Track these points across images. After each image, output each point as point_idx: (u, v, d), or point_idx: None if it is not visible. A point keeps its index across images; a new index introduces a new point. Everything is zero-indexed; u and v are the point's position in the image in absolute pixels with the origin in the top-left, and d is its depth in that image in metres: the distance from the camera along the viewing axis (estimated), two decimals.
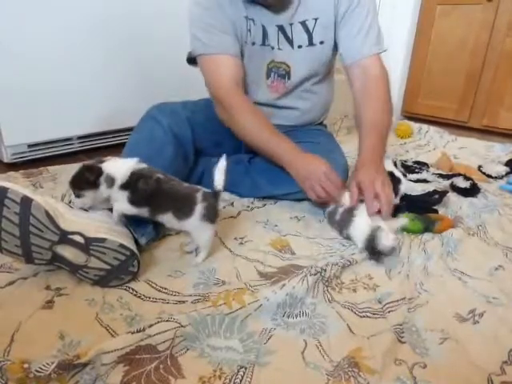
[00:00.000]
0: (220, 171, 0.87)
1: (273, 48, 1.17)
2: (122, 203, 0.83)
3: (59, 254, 0.77)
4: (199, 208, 0.84)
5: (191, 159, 1.18)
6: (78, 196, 0.83)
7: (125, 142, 1.09)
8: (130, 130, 1.73)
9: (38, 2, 1.41)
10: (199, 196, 0.85)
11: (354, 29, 1.14)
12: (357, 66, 1.16)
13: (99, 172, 0.81)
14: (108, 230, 0.81)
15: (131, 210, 0.84)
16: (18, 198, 0.72)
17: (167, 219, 0.86)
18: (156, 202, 0.84)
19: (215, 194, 0.87)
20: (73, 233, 0.77)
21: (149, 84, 1.77)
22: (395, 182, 1.09)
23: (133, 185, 0.82)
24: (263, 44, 1.17)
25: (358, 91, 1.17)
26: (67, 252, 0.77)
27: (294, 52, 1.17)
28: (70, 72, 1.54)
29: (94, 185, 0.81)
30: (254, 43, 1.17)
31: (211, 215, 0.86)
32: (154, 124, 1.09)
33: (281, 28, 1.15)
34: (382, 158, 1.08)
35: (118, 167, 0.83)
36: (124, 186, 0.82)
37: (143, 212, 0.84)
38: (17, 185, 0.74)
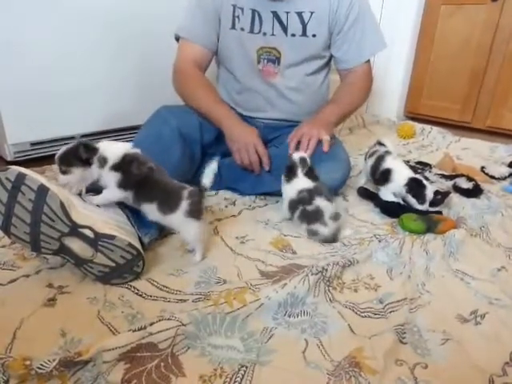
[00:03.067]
0: (210, 171, 0.87)
1: (265, 34, 1.21)
2: (111, 188, 0.82)
3: (67, 245, 0.77)
4: (184, 204, 0.84)
5: (198, 160, 1.19)
6: (64, 172, 0.81)
7: (128, 141, 1.09)
8: (133, 128, 1.74)
9: (43, 4, 1.41)
10: (185, 193, 0.85)
11: (346, 44, 1.25)
12: (348, 72, 1.31)
13: (95, 151, 0.80)
14: (117, 228, 0.81)
15: (119, 194, 0.83)
16: (35, 185, 0.72)
17: (151, 210, 0.84)
18: (144, 189, 0.83)
19: (201, 192, 0.87)
20: (83, 226, 0.77)
21: (152, 83, 1.77)
22: (421, 188, 1.11)
23: (124, 167, 0.81)
24: (251, 31, 1.21)
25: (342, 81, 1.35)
26: (75, 245, 0.77)
27: (286, 39, 1.21)
28: (73, 71, 1.54)
29: (87, 163, 0.80)
30: (242, 29, 1.22)
31: (196, 212, 0.86)
32: (162, 123, 1.09)
33: (275, 14, 1.19)
34: (331, 120, 1.23)
35: (112, 148, 0.82)
36: (115, 167, 0.81)
37: (128, 196, 0.83)
38: (35, 172, 0.74)
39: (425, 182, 1.14)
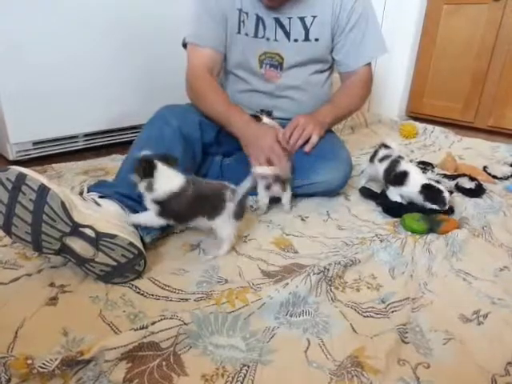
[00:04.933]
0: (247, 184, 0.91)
1: (268, 39, 1.21)
2: (152, 214, 0.86)
3: (68, 245, 0.77)
4: (229, 206, 0.87)
5: (199, 160, 1.18)
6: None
7: (130, 141, 1.10)
8: (135, 128, 1.75)
9: (45, 5, 1.42)
10: (228, 194, 0.87)
11: (346, 47, 1.25)
12: (348, 75, 1.31)
13: (149, 174, 0.82)
14: (118, 227, 0.81)
15: (158, 221, 0.87)
16: (36, 185, 0.72)
17: (197, 223, 0.89)
18: (185, 214, 0.87)
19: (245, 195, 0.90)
20: (84, 226, 0.77)
21: (154, 83, 1.78)
22: (437, 193, 1.12)
23: (165, 203, 0.84)
24: (255, 36, 1.22)
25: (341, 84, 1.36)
26: (76, 244, 0.77)
27: (289, 44, 1.22)
28: (75, 71, 1.55)
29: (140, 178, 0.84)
30: (247, 34, 1.22)
31: (240, 213, 0.90)
32: (163, 124, 1.09)
33: (277, 20, 1.19)
34: (326, 121, 1.23)
35: (164, 181, 0.83)
36: (157, 201, 0.84)
37: (168, 221, 0.88)
38: (35, 172, 0.74)
39: (437, 185, 1.13)
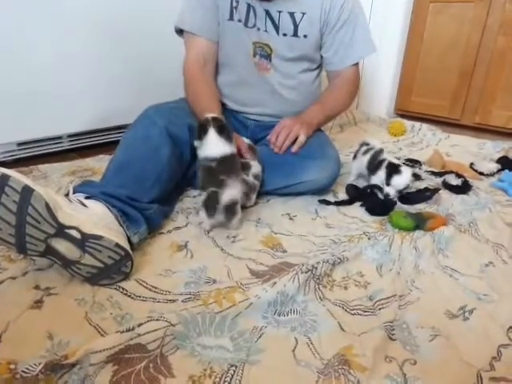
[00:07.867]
0: None
1: (259, 29, 1.21)
2: None
3: (53, 247, 0.75)
4: None
5: (187, 160, 1.17)
6: None
7: (116, 141, 1.08)
8: (120, 128, 1.73)
9: (28, 5, 1.39)
10: None
11: (334, 46, 1.26)
12: (336, 74, 1.32)
13: None
14: (105, 228, 0.80)
15: None
16: (19, 186, 0.70)
17: None
18: None
19: None
20: (70, 227, 0.75)
21: (140, 83, 1.76)
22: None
23: None
24: (246, 25, 1.21)
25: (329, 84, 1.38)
26: (62, 246, 0.75)
27: (278, 38, 1.22)
28: (60, 70, 1.52)
29: None
30: (240, 20, 1.21)
31: None
32: (149, 124, 1.07)
33: (267, 12, 1.19)
34: (314, 122, 1.25)
35: None
36: None
37: None
38: (19, 173, 0.72)
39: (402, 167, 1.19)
